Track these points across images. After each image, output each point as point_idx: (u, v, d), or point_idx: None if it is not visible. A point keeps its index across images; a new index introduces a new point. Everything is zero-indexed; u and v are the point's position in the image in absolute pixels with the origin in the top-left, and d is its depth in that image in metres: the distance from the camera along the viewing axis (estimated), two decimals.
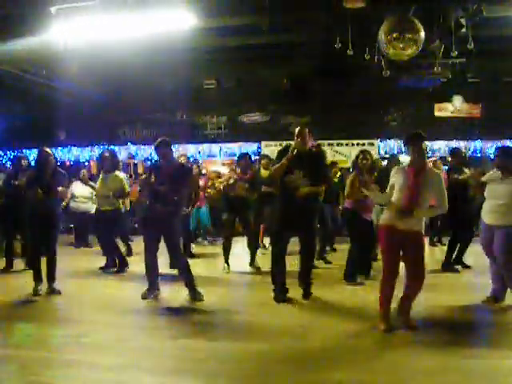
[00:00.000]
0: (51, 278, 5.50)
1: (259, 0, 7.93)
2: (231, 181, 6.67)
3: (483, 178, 4.92)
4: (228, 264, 6.74)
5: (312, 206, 5.00)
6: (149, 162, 12.78)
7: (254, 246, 6.90)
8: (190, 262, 5.40)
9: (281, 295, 4.99)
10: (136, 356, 3.60)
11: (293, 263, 5.24)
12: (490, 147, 11.47)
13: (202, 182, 8.71)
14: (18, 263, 6.97)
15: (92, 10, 6.43)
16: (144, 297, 5.15)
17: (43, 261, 5.54)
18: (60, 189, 5.49)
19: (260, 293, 5.34)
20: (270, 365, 3.41)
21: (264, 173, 7.56)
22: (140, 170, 12.87)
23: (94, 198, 8.27)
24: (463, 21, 7.29)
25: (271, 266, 5.15)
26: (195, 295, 5.07)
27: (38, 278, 5.50)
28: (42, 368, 3.39)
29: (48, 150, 5.66)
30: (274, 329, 4.17)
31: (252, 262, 6.83)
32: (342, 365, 3.39)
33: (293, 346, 3.75)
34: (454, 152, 7.00)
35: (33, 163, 6.45)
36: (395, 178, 4.09)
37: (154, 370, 3.32)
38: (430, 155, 11.53)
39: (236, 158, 7.39)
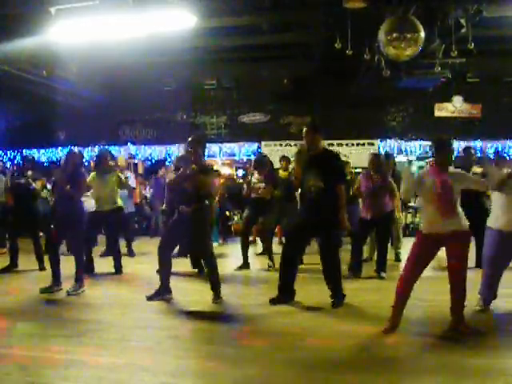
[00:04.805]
0: (75, 278, 5.49)
1: (259, 0, 7.94)
2: (254, 182, 6.71)
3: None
4: (247, 262, 6.68)
5: (329, 205, 4.75)
6: (149, 162, 12.81)
7: (269, 247, 6.82)
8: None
9: (277, 298, 4.84)
10: (136, 356, 3.60)
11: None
12: (490, 147, 11.48)
13: None
14: (25, 262, 6.89)
15: (92, 9, 6.41)
16: (151, 298, 5.01)
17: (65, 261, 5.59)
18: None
19: (262, 293, 5.33)
20: (270, 365, 3.40)
21: (283, 174, 7.46)
22: (140, 170, 12.89)
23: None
24: (463, 21, 7.28)
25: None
26: (218, 296, 4.97)
27: (53, 278, 5.49)
28: (42, 368, 3.39)
29: (76, 151, 5.66)
30: (274, 329, 4.17)
31: (271, 262, 6.67)
32: (342, 365, 3.39)
33: (293, 346, 3.75)
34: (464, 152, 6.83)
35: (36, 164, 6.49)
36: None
37: (154, 370, 3.31)
38: (430, 155, 11.57)
39: (253, 161, 7.33)
